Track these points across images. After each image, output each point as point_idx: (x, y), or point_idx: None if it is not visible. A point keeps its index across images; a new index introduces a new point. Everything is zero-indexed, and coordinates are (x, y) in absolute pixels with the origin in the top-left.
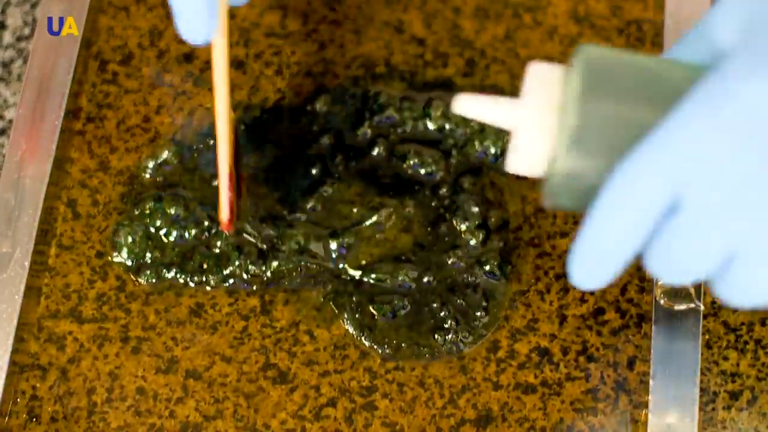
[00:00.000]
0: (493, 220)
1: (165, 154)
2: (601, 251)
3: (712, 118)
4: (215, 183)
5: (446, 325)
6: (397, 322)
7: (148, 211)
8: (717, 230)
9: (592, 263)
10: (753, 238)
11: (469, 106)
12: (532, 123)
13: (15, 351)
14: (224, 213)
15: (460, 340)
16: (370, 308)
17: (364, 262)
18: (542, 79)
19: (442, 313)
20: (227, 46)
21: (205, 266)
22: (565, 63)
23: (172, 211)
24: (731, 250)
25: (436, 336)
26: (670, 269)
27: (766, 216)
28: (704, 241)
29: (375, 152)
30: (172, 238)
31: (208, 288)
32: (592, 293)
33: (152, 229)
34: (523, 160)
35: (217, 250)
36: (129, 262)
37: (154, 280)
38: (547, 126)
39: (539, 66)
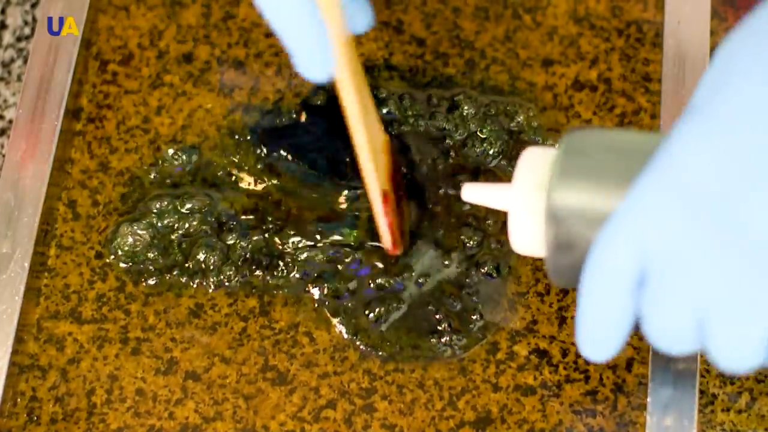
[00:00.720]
0: (490, 222)
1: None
2: (597, 326)
3: (662, 190)
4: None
5: (440, 328)
6: (392, 325)
7: (155, 211)
8: (682, 296)
9: (594, 337)
10: (718, 300)
11: (473, 193)
12: (522, 205)
13: (15, 352)
14: (386, 239)
15: (455, 343)
16: (365, 312)
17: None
18: (533, 162)
19: (438, 316)
20: (356, 76)
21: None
22: (555, 141)
23: (174, 213)
24: (701, 316)
25: (432, 339)
26: (659, 338)
27: (727, 278)
28: (673, 308)
29: None
30: (174, 238)
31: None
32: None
33: (152, 230)
34: (520, 240)
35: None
36: (125, 265)
37: (152, 282)
38: (536, 207)
39: (533, 150)
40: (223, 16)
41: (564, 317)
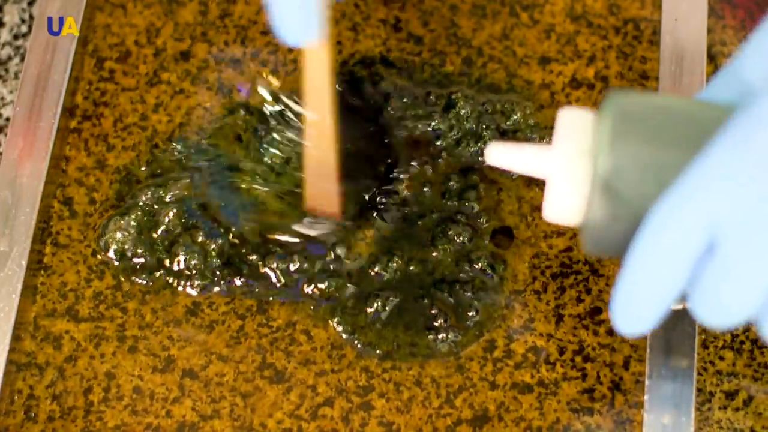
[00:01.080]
0: (484, 219)
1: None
2: (641, 297)
3: (743, 156)
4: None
5: (436, 324)
6: (389, 320)
7: (140, 204)
8: (756, 270)
9: (633, 310)
10: None
11: (501, 155)
12: (565, 172)
13: (12, 350)
14: (335, 206)
15: (451, 340)
16: (363, 307)
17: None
18: (573, 125)
19: (433, 311)
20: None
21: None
22: (593, 104)
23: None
24: None
25: (429, 336)
26: (713, 313)
27: None
28: (743, 281)
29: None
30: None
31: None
32: (588, 297)
33: (138, 225)
34: (558, 209)
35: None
36: (117, 262)
37: (143, 281)
38: (580, 174)
39: (570, 112)
40: (220, 13)
41: (561, 315)
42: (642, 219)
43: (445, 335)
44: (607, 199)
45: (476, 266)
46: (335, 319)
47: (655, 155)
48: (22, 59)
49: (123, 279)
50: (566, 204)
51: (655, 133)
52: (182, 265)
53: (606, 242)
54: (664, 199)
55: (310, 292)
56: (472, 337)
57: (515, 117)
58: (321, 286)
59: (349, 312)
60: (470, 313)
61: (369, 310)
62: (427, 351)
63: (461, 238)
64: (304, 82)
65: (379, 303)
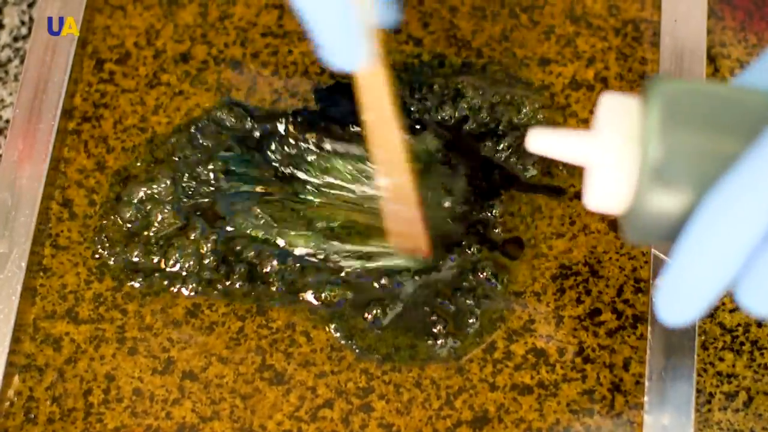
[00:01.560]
0: (500, 229)
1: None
2: (692, 287)
3: None
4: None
5: (435, 330)
6: (389, 326)
7: (135, 202)
8: None
9: (682, 300)
10: None
11: (543, 141)
12: (612, 159)
13: (11, 352)
14: (424, 244)
15: (451, 346)
16: (363, 312)
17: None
18: (617, 112)
19: (433, 318)
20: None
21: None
22: (637, 91)
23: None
24: None
25: (429, 341)
26: (764, 302)
27: None
28: None
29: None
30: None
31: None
32: (586, 296)
33: (132, 224)
34: (603, 197)
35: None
36: (113, 262)
37: (139, 284)
38: (627, 161)
39: (613, 98)
40: (220, 15)
41: (561, 317)
42: (694, 207)
43: (443, 341)
44: (657, 188)
45: (481, 275)
46: (332, 326)
47: (707, 142)
48: (22, 61)
49: (124, 279)
50: (612, 192)
51: (706, 120)
52: (177, 267)
53: (651, 231)
54: (721, 186)
55: (312, 300)
56: (469, 344)
57: (525, 110)
58: (322, 294)
59: (348, 318)
60: (470, 320)
61: (368, 316)
62: (427, 355)
63: (474, 249)
64: (363, 108)
65: (379, 310)
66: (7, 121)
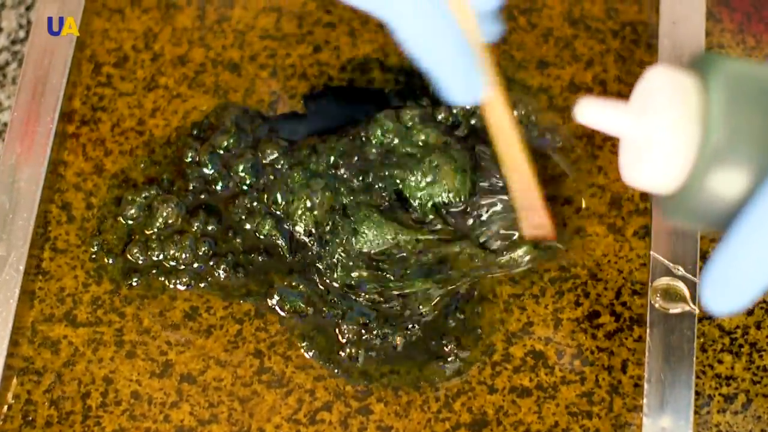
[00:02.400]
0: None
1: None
2: (747, 272)
3: None
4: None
5: (446, 350)
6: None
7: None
8: None
9: (735, 286)
10: None
11: (592, 112)
12: (668, 136)
13: (9, 355)
14: (550, 231)
15: (459, 357)
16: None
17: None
18: (670, 87)
19: (443, 341)
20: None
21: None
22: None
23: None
24: None
25: (438, 363)
26: None
27: None
28: None
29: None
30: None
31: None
32: (590, 297)
33: (130, 224)
34: (653, 175)
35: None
36: (111, 261)
37: (136, 282)
38: (684, 139)
39: (663, 72)
40: (218, 18)
41: (560, 319)
42: (753, 190)
43: (454, 357)
44: (717, 169)
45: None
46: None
47: None
48: (20, 64)
49: (122, 282)
50: (664, 170)
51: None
52: (174, 260)
53: (701, 212)
54: None
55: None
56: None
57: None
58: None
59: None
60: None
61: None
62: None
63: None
64: (492, 134)
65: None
66: (5, 124)
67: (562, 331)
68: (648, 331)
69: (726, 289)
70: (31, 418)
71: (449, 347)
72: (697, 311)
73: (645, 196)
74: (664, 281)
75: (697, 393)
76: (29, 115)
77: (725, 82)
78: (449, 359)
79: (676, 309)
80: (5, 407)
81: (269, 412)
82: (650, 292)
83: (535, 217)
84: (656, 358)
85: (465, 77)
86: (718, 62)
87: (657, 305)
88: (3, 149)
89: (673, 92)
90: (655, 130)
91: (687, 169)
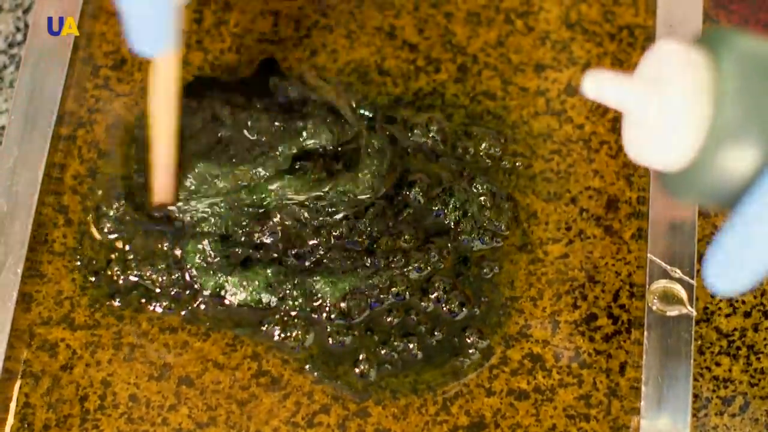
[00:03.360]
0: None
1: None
2: (753, 253)
3: None
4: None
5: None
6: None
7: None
8: None
9: (740, 264)
10: None
11: (601, 85)
12: (677, 112)
13: (7, 358)
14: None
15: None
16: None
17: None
18: (679, 62)
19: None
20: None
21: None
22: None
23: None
24: None
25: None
26: None
27: None
28: None
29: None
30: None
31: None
32: (587, 299)
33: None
34: (661, 151)
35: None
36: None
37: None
38: (694, 116)
39: (671, 46)
40: (216, 21)
41: (557, 322)
42: (763, 169)
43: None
44: (729, 146)
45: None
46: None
47: None
48: (17, 68)
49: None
50: (673, 146)
51: None
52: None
53: (709, 189)
54: None
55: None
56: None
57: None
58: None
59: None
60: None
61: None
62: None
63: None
64: (151, 90)
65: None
66: (3, 128)
67: (560, 333)
68: (645, 333)
69: (731, 268)
70: (28, 422)
71: (472, 339)
72: (694, 314)
73: (642, 199)
74: (661, 284)
75: (694, 395)
76: (26, 119)
77: (737, 58)
78: (470, 351)
79: (673, 311)
80: (3, 410)
81: (267, 415)
82: (648, 294)
83: (163, 179)
84: (654, 361)
85: (152, 28)
86: (728, 37)
87: (654, 308)
88: (1, 153)
89: (684, 67)
90: (665, 105)
91: (697, 146)
